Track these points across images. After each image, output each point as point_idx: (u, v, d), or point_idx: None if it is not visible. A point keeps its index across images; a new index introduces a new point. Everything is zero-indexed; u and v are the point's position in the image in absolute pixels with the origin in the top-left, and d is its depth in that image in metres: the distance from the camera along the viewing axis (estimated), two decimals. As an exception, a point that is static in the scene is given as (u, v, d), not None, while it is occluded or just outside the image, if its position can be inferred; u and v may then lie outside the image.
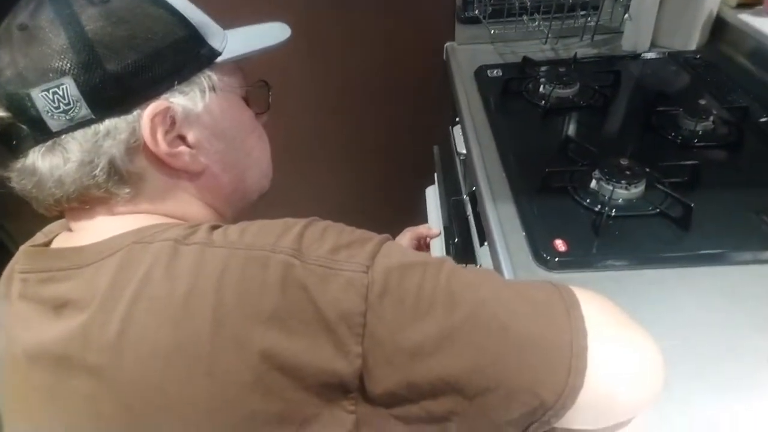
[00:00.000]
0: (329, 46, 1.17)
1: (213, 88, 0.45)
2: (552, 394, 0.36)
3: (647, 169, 0.68)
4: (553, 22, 1.05)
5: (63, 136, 0.39)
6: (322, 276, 0.35)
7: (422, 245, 0.96)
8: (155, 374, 0.34)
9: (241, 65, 0.49)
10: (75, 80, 0.38)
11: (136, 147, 0.41)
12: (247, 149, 0.51)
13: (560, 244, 0.61)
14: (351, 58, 1.20)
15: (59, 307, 0.39)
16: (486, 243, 0.77)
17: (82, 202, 0.42)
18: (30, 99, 0.38)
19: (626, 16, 1.03)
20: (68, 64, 0.38)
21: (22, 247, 0.45)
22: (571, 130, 0.85)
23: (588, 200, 0.67)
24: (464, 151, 0.98)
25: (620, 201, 0.66)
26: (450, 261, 0.40)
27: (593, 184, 0.68)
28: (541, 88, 0.92)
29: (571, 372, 0.36)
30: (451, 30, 1.14)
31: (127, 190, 0.42)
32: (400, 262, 0.37)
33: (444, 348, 0.36)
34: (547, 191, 0.69)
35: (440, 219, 1.00)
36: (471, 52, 1.10)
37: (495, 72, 1.01)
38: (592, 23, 1.05)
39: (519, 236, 0.65)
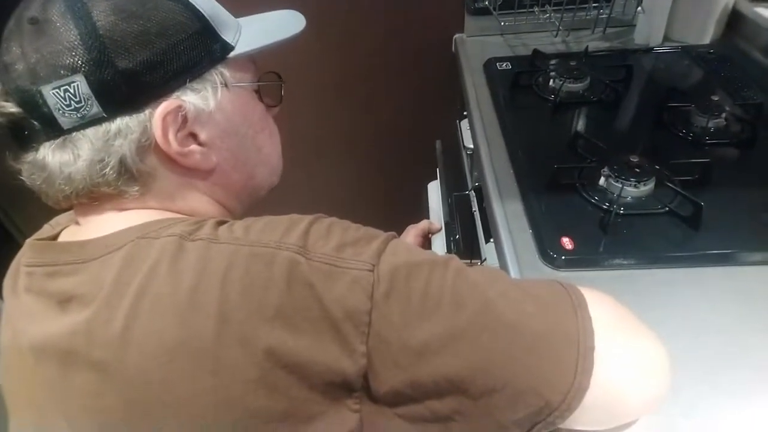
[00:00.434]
0: (335, 35, 1.15)
1: (225, 85, 0.44)
2: (558, 394, 0.36)
3: (657, 167, 0.67)
4: (564, 14, 1.03)
5: (74, 134, 0.39)
6: (328, 274, 0.35)
7: (425, 241, 0.96)
8: (159, 370, 0.34)
9: (254, 58, 0.48)
10: (86, 78, 0.38)
11: (147, 146, 0.41)
12: (258, 145, 0.50)
13: (567, 242, 0.61)
14: (357, 49, 1.19)
15: (64, 301, 0.39)
16: (492, 240, 0.77)
17: (91, 198, 0.42)
18: (41, 96, 0.38)
19: (639, 8, 1.01)
20: (79, 62, 0.37)
21: (28, 240, 0.45)
22: (581, 125, 0.84)
23: (596, 198, 0.66)
24: (471, 146, 0.97)
25: (629, 199, 0.65)
26: (456, 260, 0.40)
27: (602, 181, 0.67)
28: (551, 82, 0.91)
29: (578, 372, 0.36)
30: (460, 21, 1.12)
31: (137, 188, 0.42)
32: (407, 260, 0.37)
33: (450, 347, 0.35)
34: (554, 188, 0.68)
35: (442, 215, 0.99)
36: (480, 44, 1.09)
37: (504, 65, 1.00)
38: (605, 16, 1.03)
39: (525, 234, 0.64)
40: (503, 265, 0.62)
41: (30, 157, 0.41)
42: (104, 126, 0.39)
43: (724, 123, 0.77)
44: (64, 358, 0.38)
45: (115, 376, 0.36)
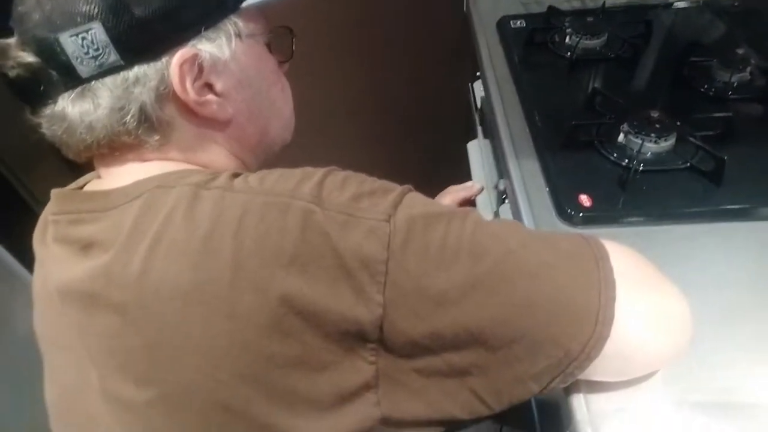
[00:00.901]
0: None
1: (239, 35, 0.44)
2: (578, 344, 0.36)
3: (678, 123, 0.65)
4: (580, -31, 0.99)
5: (93, 83, 0.39)
6: (343, 223, 0.35)
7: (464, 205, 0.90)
8: (175, 314, 0.35)
9: (264, 11, 0.48)
10: (103, 25, 0.37)
11: (165, 94, 0.41)
12: (271, 99, 0.50)
13: (585, 200, 0.60)
14: (367, 7, 1.15)
15: (86, 247, 0.40)
16: (506, 199, 0.76)
17: (111, 148, 0.42)
18: (59, 44, 0.38)
19: (660, -40, 0.96)
20: (96, 9, 0.37)
21: (54, 191, 0.46)
22: (599, 82, 0.82)
23: (615, 154, 0.64)
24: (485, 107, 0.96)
25: (649, 155, 0.64)
26: (475, 212, 0.39)
27: (621, 137, 0.66)
28: (567, 39, 0.88)
29: (599, 322, 0.36)
30: (472, -21, 1.08)
31: (157, 137, 0.42)
32: (424, 212, 0.37)
33: (469, 297, 0.35)
34: (572, 146, 0.67)
35: (487, 174, 0.95)
36: (493, 3, 1.05)
37: (519, 23, 0.96)
38: (623, -31, 1.00)
39: (542, 192, 0.63)
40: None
41: (48, 110, 0.41)
42: (122, 74, 0.39)
43: (749, 77, 0.74)
44: (86, 301, 0.39)
45: (133, 318, 0.37)
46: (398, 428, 0.39)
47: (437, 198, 0.90)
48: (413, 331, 0.36)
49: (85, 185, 0.47)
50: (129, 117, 0.40)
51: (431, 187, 0.41)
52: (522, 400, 0.39)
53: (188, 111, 0.43)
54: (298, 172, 0.38)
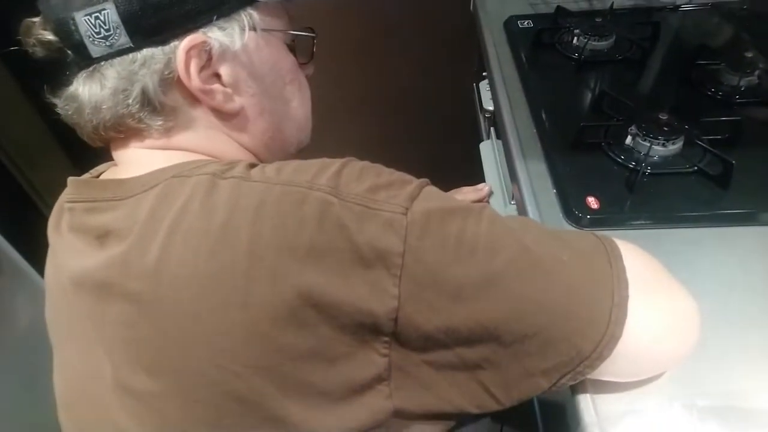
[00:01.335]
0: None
1: (254, 27, 0.43)
2: (590, 343, 0.36)
3: (686, 126, 0.65)
4: (588, -30, 0.99)
5: (103, 63, 0.40)
6: (360, 214, 0.35)
7: None
8: (191, 303, 0.35)
9: (288, 9, 0.48)
10: (116, 6, 0.38)
11: (170, 79, 0.41)
12: (286, 97, 0.49)
13: (593, 202, 0.60)
14: (374, 6, 1.15)
15: (102, 236, 0.40)
16: (513, 201, 0.76)
17: (118, 131, 0.43)
18: (74, 22, 0.38)
19: (668, -38, 0.96)
20: None
21: (70, 178, 0.46)
22: (606, 84, 0.82)
23: (623, 157, 0.64)
24: (491, 108, 0.95)
25: (656, 158, 0.64)
26: (490, 208, 0.39)
27: (629, 140, 0.66)
28: (574, 41, 0.88)
29: (611, 322, 0.36)
30: (479, -22, 1.08)
31: (160, 122, 0.42)
32: (441, 206, 0.37)
33: (485, 293, 0.35)
34: (579, 147, 0.67)
35: (500, 175, 0.95)
36: (500, 2, 1.05)
37: (526, 23, 0.96)
38: (631, -29, 0.99)
39: (549, 194, 0.63)
40: (527, 224, 0.61)
41: (66, 91, 0.42)
42: (131, 56, 0.40)
43: (757, 81, 0.74)
44: (101, 290, 0.39)
45: (148, 307, 0.37)
46: (408, 420, 0.39)
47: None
48: (428, 324, 0.36)
49: (100, 175, 0.47)
50: (131, 99, 0.41)
51: (439, 187, 0.41)
52: (531, 395, 0.39)
53: (193, 99, 0.43)
54: (315, 163, 0.38)
